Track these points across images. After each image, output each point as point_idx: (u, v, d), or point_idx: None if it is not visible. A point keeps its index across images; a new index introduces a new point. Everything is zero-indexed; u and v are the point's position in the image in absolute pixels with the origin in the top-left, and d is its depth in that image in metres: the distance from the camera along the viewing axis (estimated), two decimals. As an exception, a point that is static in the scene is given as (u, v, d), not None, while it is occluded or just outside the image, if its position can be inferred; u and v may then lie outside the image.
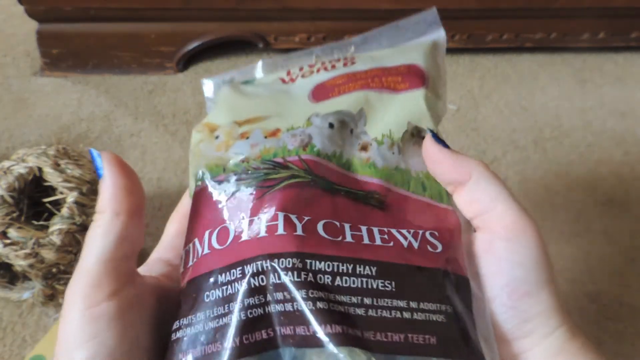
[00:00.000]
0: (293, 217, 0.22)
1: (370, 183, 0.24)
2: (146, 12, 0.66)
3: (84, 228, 0.44)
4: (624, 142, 0.65)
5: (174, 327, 0.21)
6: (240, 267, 0.21)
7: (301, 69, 0.31)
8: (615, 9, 0.69)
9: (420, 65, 0.29)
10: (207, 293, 0.21)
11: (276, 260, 0.20)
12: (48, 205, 0.45)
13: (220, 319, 0.20)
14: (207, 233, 0.22)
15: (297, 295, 0.20)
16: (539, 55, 0.76)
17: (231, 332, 0.19)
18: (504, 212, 0.22)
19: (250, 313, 0.20)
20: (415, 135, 0.26)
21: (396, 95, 0.27)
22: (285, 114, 0.27)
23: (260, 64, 0.32)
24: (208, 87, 0.33)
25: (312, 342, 0.19)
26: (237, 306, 0.20)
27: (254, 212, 0.22)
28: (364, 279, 0.21)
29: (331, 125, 0.26)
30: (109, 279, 0.20)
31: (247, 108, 0.28)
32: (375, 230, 0.23)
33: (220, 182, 0.24)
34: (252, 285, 0.20)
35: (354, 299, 0.20)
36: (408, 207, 0.24)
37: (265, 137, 0.26)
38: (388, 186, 0.25)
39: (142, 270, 0.24)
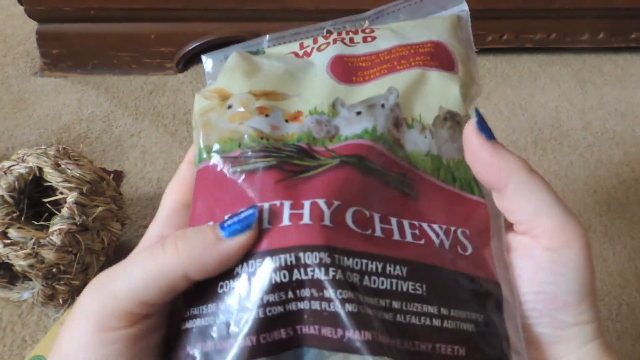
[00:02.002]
0: (321, 203, 0.19)
1: (402, 165, 0.22)
2: (146, 12, 0.66)
3: (84, 228, 0.44)
4: (624, 142, 0.65)
5: (185, 314, 0.19)
6: (261, 259, 0.18)
7: (315, 41, 0.28)
8: (615, 10, 0.69)
9: (447, 44, 0.26)
10: (222, 283, 0.19)
11: (302, 253, 0.18)
12: (48, 205, 0.45)
13: (236, 314, 0.18)
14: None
15: (325, 294, 0.18)
16: (539, 55, 0.76)
17: (247, 329, 0.18)
18: (548, 223, 0.20)
19: (270, 310, 0.18)
20: (448, 119, 0.24)
21: (426, 74, 0.25)
22: (306, 94, 0.24)
23: (267, 37, 0.29)
24: (208, 64, 0.29)
25: (339, 345, 0.17)
26: (255, 302, 0.18)
27: (275, 197, 0.20)
28: (394, 280, 0.19)
29: (358, 113, 0.23)
30: (139, 310, 0.18)
31: (263, 78, 0.25)
32: (406, 223, 0.21)
33: (235, 159, 0.21)
34: (274, 280, 0.18)
35: (382, 302, 0.18)
36: (438, 198, 0.22)
37: (287, 121, 0.23)
38: (417, 172, 0.23)
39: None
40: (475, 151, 0.21)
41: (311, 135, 0.23)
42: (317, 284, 0.18)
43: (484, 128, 0.22)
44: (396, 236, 0.20)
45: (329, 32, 0.29)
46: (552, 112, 0.68)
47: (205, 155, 0.22)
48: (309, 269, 0.18)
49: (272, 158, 0.21)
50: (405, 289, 0.19)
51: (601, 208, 0.58)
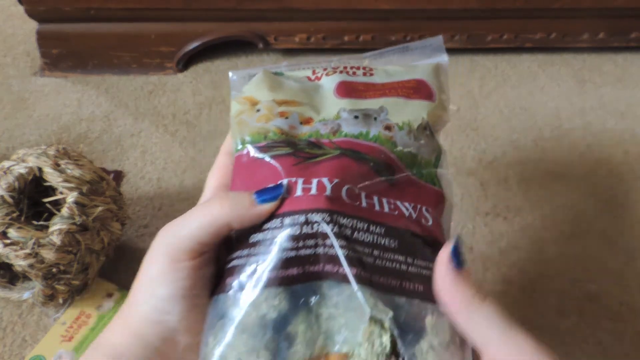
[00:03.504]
0: (324, 180, 0.27)
1: (390, 156, 0.30)
2: (146, 12, 0.66)
3: (84, 228, 0.44)
4: (624, 142, 0.65)
5: (228, 258, 0.27)
6: (280, 218, 0.26)
7: (325, 69, 0.36)
8: (615, 9, 0.69)
9: (427, 81, 0.35)
10: (252, 235, 0.26)
11: (310, 214, 0.26)
12: (48, 205, 0.45)
13: (262, 256, 0.25)
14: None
15: (327, 242, 0.25)
16: (539, 55, 0.76)
17: (268, 266, 0.25)
18: (495, 354, 0.23)
19: (286, 254, 0.25)
20: (427, 128, 0.32)
21: (410, 101, 0.33)
22: (317, 107, 0.32)
23: (285, 63, 0.37)
24: (233, 78, 0.37)
25: (336, 277, 0.25)
26: (276, 248, 0.25)
27: (291, 175, 0.27)
28: (375, 236, 0.26)
29: (356, 117, 0.31)
30: (198, 248, 0.26)
31: (284, 91, 0.33)
32: (384, 200, 0.28)
33: (262, 147, 0.29)
34: (289, 233, 0.25)
35: (366, 250, 0.26)
36: (410, 185, 0.30)
37: (301, 123, 0.31)
38: (399, 164, 0.30)
39: None
40: (441, 275, 0.25)
41: (319, 132, 0.30)
42: (322, 235, 0.25)
43: (457, 255, 0.25)
44: (377, 208, 0.28)
45: (336, 67, 0.37)
46: (552, 112, 0.68)
47: (240, 146, 0.30)
48: (314, 225, 0.25)
49: (289, 147, 0.29)
50: (382, 242, 0.26)
51: (601, 208, 0.58)
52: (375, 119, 0.31)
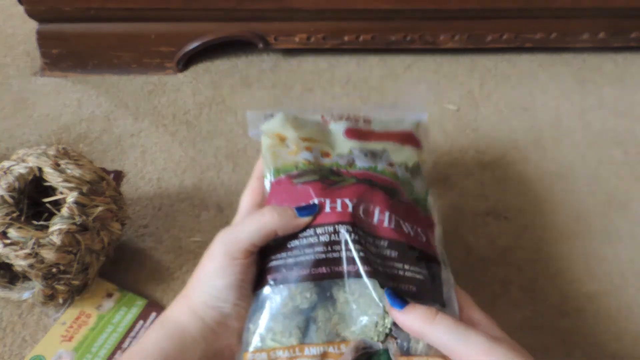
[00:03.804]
0: (346, 200, 0.36)
1: (394, 183, 0.39)
2: (146, 12, 0.66)
3: (84, 228, 0.44)
4: (624, 142, 0.65)
5: (268, 259, 0.35)
6: (314, 229, 0.34)
7: (332, 115, 0.45)
8: (615, 9, 0.69)
9: (414, 133, 0.45)
10: (290, 241, 0.34)
11: (337, 225, 0.34)
12: (48, 205, 0.45)
13: (296, 258, 0.34)
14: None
15: (349, 247, 0.33)
16: (539, 55, 0.76)
17: (303, 266, 0.33)
18: (461, 354, 0.29)
19: (317, 256, 0.33)
20: (417, 167, 0.42)
21: (404, 147, 0.42)
22: (332, 144, 0.41)
23: (296, 110, 0.47)
24: (251, 116, 0.46)
25: (354, 274, 0.33)
26: (309, 251, 0.34)
27: (320, 196, 0.36)
28: (380, 248, 0.35)
29: (365, 155, 0.40)
30: (251, 248, 0.34)
31: (305, 129, 0.42)
32: (393, 217, 0.36)
33: (295, 176, 0.38)
34: (319, 240, 0.34)
35: (373, 257, 0.34)
36: (410, 209, 0.38)
37: (322, 156, 0.40)
38: (403, 191, 0.39)
39: None
40: (395, 316, 0.32)
41: (338, 163, 0.39)
42: (345, 242, 0.33)
43: (395, 301, 0.32)
44: (385, 224, 0.36)
45: (341, 115, 0.45)
46: (552, 112, 0.68)
47: (276, 174, 0.38)
48: (340, 234, 0.34)
49: (317, 175, 0.38)
50: (386, 253, 0.35)
51: (601, 208, 0.58)
52: (380, 157, 0.40)
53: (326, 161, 0.39)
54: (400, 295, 0.32)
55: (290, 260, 0.33)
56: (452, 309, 0.34)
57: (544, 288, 0.51)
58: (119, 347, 0.45)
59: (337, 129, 0.42)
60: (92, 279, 0.47)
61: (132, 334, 0.46)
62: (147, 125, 0.65)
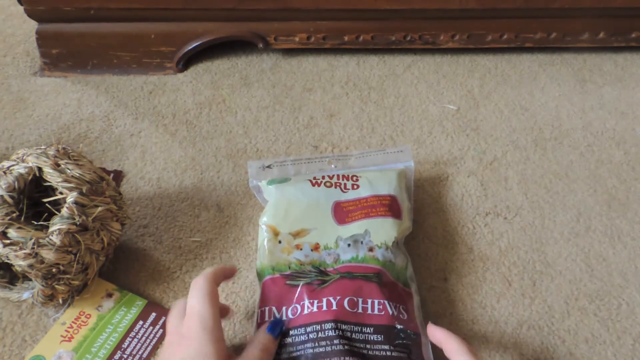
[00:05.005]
0: (331, 299, 0.42)
1: (374, 268, 0.45)
2: (146, 12, 0.66)
3: (84, 228, 0.44)
4: (624, 142, 0.65)
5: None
6: (304, 327, 0.41)
7: (323, 177, 0.52)
8: (615, 9, 0.69)
9: (397, 197, 0.51)
10: (284, 339, 0.41)
11: (322, 324, 0.41)
12: (48, 205, 0.45)
13: (289, 355, 0.40)
14: (283, 308, 0.43)
15: (334, 341, 0.40)
16: (539, 55, 0.76)
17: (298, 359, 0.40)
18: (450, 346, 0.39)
19: (304, 351, 0.40)
20: (398, 243, 0.48)
21: (386, 220, 0.48)
22: (321, 230, 0.48)
23: (292, 172, 0.54)
24: (251, 168, 0.54)
25: None
26: (299, 348, 0.40)
27: (308, 298, 0.43)
28: (366, 334, 0.41)
29: (349, 245, 0.46)
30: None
31: (296, 219, 0.48)
32: (376, 302, 0.42)
33: (287, 276, 0.45)
34: (308, 337, 0.40)
35: (360, 345, 0.40)
36: (393, 287, 0.44)
37: (312, 250, 0.46)
38: (384, 271, 0.45)
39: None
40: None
41: (325, 262, 0.46)
42: (330, 338, 0.40)
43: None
44: (369, 311, 0.42)
45: (330, 177, 0.52)
46: (552, 112, 0.68)
47: (271, 271, 0.45)
48: (325, 331, 0.40)
49: (307, 278, 0.44)
50: (372, 338, 0.41)
51: (601, 208, 0.58)
52: (362, 242, 0.46)
53: (315, 256, 0.46)
54: None
55: (284, 357, 0.40)
56: None
57: (544, 288, 0.51)
58: (118, 347, 0.45)
59: (327, 203, 0.49)
60: (92, 279, 0.47)
61: (132, 334, 0.46)
62: (147, 125, 0.65)
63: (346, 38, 0.71)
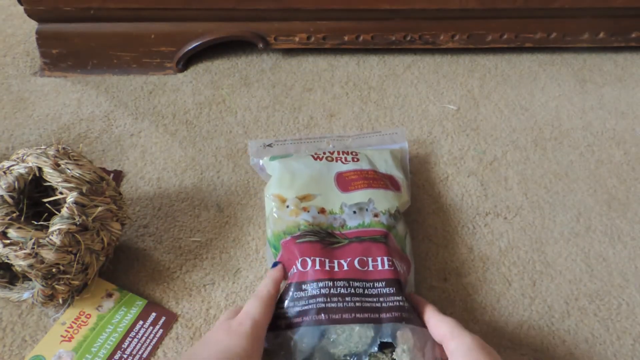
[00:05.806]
0: (342, 262, 0.44)
1: (381, 231, 0.47)
2: (146, 12, 0.66)
3: (84, 228, 0.44)
4: (624, 141, 0.65)
5: (278, 307, 0.43)
6: (316, 282, 0.43)
7: (324, 153, 0.54)
8: (615, 9, 0.69)
9: (395, 176, 0.54)
10: (295, 292, 0.43)
11: (333, 281, 0.43)
12: (48, 205, 0.45)
13: (298, 307, 0.42)
14: (298, 261, 0.45)
15: (345, 299, 0.42)
16: (539, 55, 0.76)
17: (296, 314, 0.42)
18: (451, 343, 0.40)
19: (319, 305, 0.41)
20: (398, 212, 0.49)
21: (387, 192, 0.50)
22: (326, 197, 0.49)
23: (293, 150, 0.57)
24: (252, 146, 0.57)
25: (348, 321, 0.41)
26: (306, 301, 0.42)
27: (320, 255, 0.44)
28: (379, 288, 0.43)
29: (354, 212, 0.48)
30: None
31: (300, 185, 0.50)
32: (385, 259, 0.45)
33: (298, 237, 0.46)
34: (320, 292, 0.42)
35: (373, 299, 0.42)
36: (397, 250, 0.47)
37: (319, 213, 0.48)
38: (389, 234, 0.47)
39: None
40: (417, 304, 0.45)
41: (332, 225, 0.47)
42: (342, 295, 0.42)
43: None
44: (379, 267, 0.44)
45: (331, 152, 0.55)
46: (552, 112, 0.68)
47: (282, 235, 0.47)
48: (338, 288, 0.42)
49: (316, 237, 0.46)
50: (384, 291, 0.43)
51: (601, 208, 0.58)
52: (367, 209, 0.48)
53: (322, 219, 0.47)
54: None
55: (291, 311, 0.42)
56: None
57: (544, 288, 0.51)
58: (118, 347, 0.45)
59: (329, 173, 0.51)
60: (92, 279, 0.47)
61: (132, 334, 0.46)
62: (147, 125, 0.65)
63: (346, 38, 0.71)
